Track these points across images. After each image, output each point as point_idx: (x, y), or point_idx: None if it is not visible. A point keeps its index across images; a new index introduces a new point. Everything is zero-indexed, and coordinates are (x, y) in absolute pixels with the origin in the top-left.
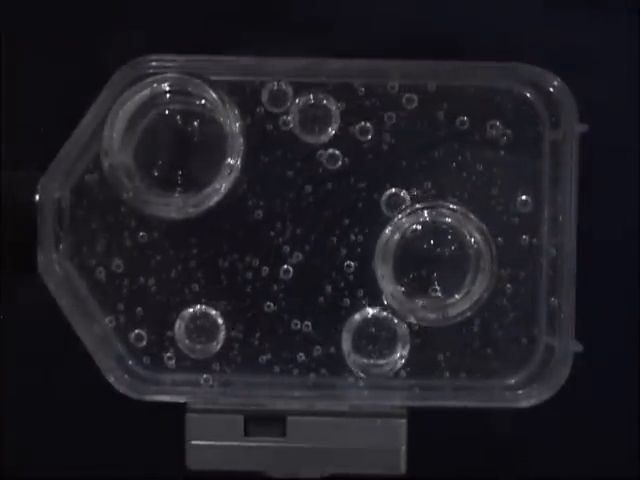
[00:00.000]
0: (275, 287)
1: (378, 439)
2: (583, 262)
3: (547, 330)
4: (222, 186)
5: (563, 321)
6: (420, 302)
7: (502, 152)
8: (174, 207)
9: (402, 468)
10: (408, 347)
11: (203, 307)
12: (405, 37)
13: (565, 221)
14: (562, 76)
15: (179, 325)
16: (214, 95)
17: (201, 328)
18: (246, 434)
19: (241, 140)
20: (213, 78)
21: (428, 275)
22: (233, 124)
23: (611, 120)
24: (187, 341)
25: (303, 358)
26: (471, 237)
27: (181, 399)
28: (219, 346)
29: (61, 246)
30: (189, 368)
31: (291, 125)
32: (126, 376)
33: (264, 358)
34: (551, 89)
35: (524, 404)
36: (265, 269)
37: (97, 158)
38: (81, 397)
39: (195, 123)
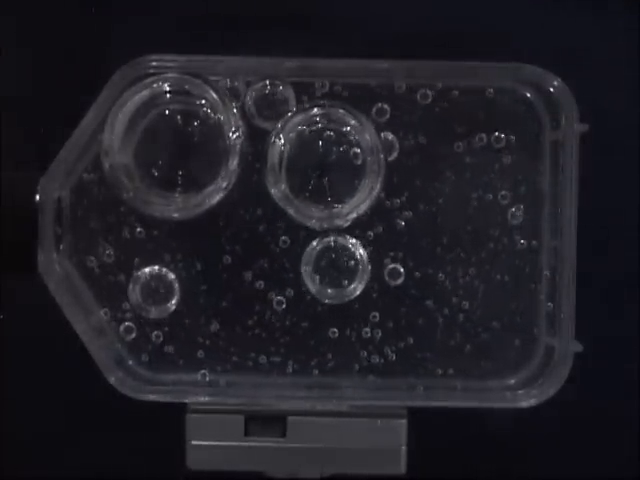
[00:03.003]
0: (275, 287)
1: (378, 439)
2: (583, 262)
3: (547, 330)
4: (222, 186)
5: (563, 321)
6: (307, 203)
7: (502, 152)
8: (174, 207)
9: (402, 468)
10: (369, 270)
11: (163, 269)
12: (405, 37)
13: (565, 221)
14: (562, 76)
15: (132, 287)
16: (214, 95)
17: (155, 290)
18: (246, 434)
19: (241, 140)
20: (213, 78)
21: (316, 177)
22: (233, 124)
23: (611, 120)
24: (140, 300)
25: (304, 358)
26: (360, 142)
27: (181, 399)
28: (174, 308)
29: (61, 246)
30: (189, 367)
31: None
32: (126, 376)
33: (264, 358)
34: (551, 89)
35: (524, 404)
36: (264, 270)
37: (97, 158)
38: (81, 397)
39: (195, 123)
